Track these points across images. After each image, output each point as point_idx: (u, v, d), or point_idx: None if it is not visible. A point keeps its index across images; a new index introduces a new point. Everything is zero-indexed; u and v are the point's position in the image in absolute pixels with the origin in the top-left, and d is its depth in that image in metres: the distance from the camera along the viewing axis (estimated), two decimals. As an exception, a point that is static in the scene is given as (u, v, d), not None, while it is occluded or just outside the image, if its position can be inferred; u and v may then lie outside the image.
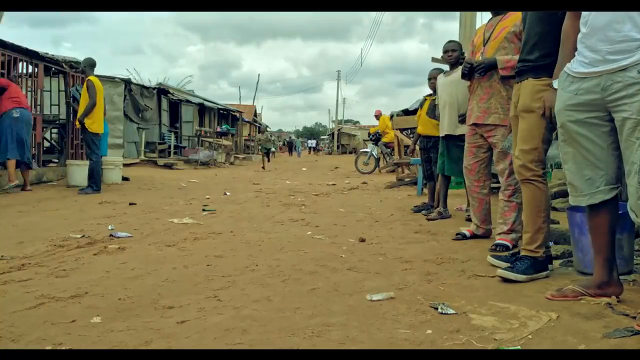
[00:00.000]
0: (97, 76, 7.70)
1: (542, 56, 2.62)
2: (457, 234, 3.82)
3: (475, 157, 3.68)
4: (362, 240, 3.72)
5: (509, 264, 2.76)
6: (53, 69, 9.09)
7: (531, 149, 2.62)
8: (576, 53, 2.17)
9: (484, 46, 3.50)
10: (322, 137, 75.61)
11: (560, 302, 2.21)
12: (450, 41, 5.22)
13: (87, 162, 7.36)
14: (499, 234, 3.43)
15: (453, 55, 5.01)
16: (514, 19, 3.36)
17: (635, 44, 1.92)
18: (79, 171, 7.80)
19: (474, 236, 3.78)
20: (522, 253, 2.66)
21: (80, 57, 7.81)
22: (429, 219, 4.93)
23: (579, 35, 2.14)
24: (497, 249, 3.28)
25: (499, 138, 3.44)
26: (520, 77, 2.76)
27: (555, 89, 2.41)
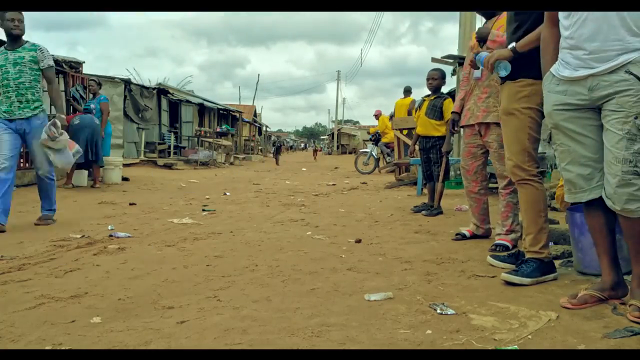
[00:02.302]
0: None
1: (519, 58, 2.62)
2: (456, 234, 3.83)
3: (474, 157, 3.69)
4: (359, 241, 3.72)
5: (509, 265, 2.77)
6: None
7: (520, 150, 2.63)
8: (560, 58, 2.22)
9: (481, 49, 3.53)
10: (322, 137, 75.61)
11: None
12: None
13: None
14: (498, 234, 3.46)
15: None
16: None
17: (618, 51, 2.00)
18: (80, 171, 7.85)
19: (474, 236, 3.78)
20: (528, 255, 2.61)
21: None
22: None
23: (564, 43, 2.18)
24: (497, 249, 3.30)
25: (494, 138, 3.49)
26: (501, 80, 2.79)
27: (509, 50, 2.60)
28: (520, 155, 2.62)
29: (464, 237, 3.77)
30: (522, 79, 2.63)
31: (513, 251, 2.91)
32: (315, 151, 34.48)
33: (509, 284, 2.51)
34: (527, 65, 2.58)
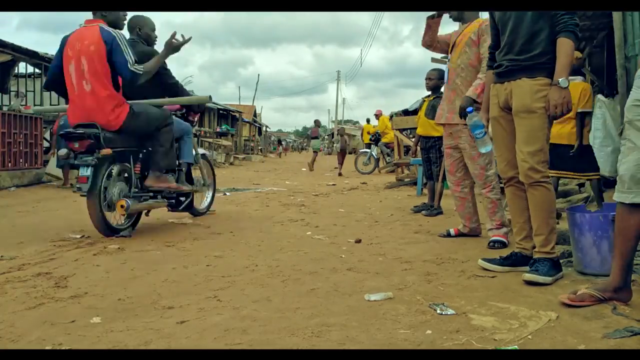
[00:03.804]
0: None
1: (536, 55, 2.58)
2: (443, 232, 3.93)
3: (451, 157, 3.83)
4: (358, 241, 3.72)
5: (508, 268, 2.76)
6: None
7: (537, 150, 2.57)
8: None
9: (451, 52, 3.73)
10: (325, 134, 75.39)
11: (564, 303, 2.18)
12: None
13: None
14: (490, 229, 3.57)
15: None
16: (473, 27, 3.61)
17: None
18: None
19: (460, 234, 3.84)
20: (538, 256, 2.60)
21: None
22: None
23: None
24: (495, 245, 3.40)
25: (465, 139, 3.63)
26: (509, 77, 2.68)
27: (561, 88, 2.45)
28: (537, 156, 2.57)
29: (448, 234, 3.85)
30: (542, 77, 2.57)
31: (507, 254, 2.87)
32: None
33: (532, 283, 2.49)
34: (546, 64, 2.55)
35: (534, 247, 2.69)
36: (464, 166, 3.76)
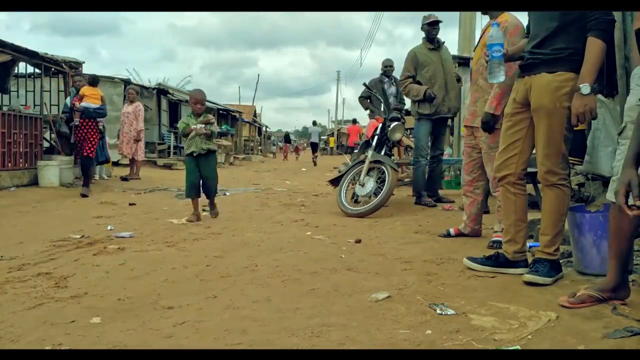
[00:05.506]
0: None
1: (557, 49, 2.44)
2: (443, 232, 3.92)
3: (470, 157, 3.77)
4: (358, 241, 3.72)
5: (489, 268, 2.74)
6: (53, 69, 9.08)
7: (555, 152, 2.47)
8: None
9: (474, 50, 3.65)
10: (322, 137, 75.63)
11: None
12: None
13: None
14: (495, 231, 3.55)
15: None
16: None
17: None
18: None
19: (460, 234, 3.82)
20: (540, 256, 2.58)
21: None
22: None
23: None
24: (495, 245, 3.39)
25: (483, 140, 3.57)
26: (529, 71, 2.54)
27: (582, 95, 2.30)
28: (555, 158, 2.48)
29: (448, 234, 3.84)
30: (564, 72, 2.40)
31: (490, 254, 2.86)
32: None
33: (531, 284, 2.47)
34: (567, 58, 2.40)
35: (515, 252, 2.69)
36: (480, 168, 3.69)
